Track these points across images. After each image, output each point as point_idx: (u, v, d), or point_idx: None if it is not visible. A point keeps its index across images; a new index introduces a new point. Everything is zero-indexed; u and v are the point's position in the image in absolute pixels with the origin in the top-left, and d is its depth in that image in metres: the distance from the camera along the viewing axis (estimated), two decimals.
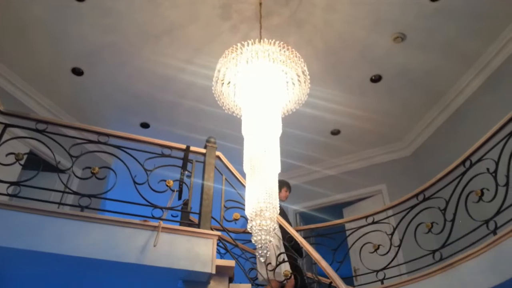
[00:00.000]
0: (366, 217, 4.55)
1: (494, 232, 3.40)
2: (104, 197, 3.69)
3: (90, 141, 3.75)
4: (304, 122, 5.87)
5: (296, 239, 3.43)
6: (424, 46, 4.93)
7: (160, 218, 3.23)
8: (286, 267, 3.84)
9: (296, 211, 6.66)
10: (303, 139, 6.20)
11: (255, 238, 2.69)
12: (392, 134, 6.28)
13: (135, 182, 3.45)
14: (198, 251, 3.15)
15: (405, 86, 5.49)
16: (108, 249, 2.99)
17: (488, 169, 3.61)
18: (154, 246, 2.98)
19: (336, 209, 6.21)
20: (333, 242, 4.72)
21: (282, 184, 4.70)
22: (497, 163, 3.55)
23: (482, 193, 3.58)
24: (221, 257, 4.27)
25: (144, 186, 3.48)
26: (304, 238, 4.06)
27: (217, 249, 4.14)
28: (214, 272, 3.08)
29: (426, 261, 3.90)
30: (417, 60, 5.11)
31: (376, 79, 5.39)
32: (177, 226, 3.27)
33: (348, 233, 4.85)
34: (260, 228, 2.69)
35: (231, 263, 3.29)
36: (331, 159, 6.71)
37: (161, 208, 3.35)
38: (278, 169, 3.13)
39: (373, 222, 4.46)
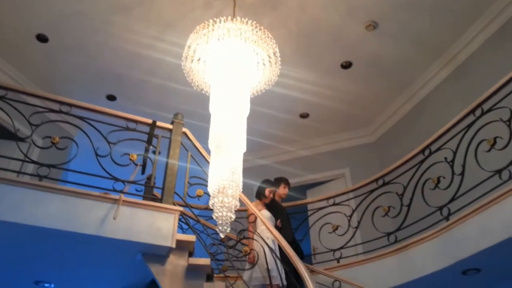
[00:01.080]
0: (328, 198, 4.68)
1: (447, 218, 3.58)
2: (64, 168, 3.61)
3: (52, 110, 3.65)
4: (274, 103, 5.89)
5: (257, 216, 3.47)
6: (395, 36, 5.01)
7: (121, 192, 3.21)
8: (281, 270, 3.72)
9: None
10: (272, 120, 6.23)
11: (216, 215, 2.72)
12: (358, 121, 6.41)
13: (97, 154, 3.40)
14: (159, 225, 3.16)
15: (374, 74, 5.58)
16: (67, 220, 2.97)
17: (446, 158, 3.78)
18: (114, 218, 2.98)
19: (300, 190, 6.33)
20: (295, 221, 4.83)
21: (280, 181, 4.61)
22: (454, 153, 3.71)
23: (439, 181, 3.75)
24: (184, 233, 4.29)
25: (107, 159, 3.44)
26: None
27: (179, 224, 4.17)
28: (174, 246, 3.11)
29: (382, 242, 4.07)
30: (388, 49, 5.20)
31: (346, 65, 5.45)
32: (138, 200, 3.27)
33: (309, 213, 4.97)
34: (221, 205, 2.72)
35: (191, 238, 3.33)
36: (298, 141, 6.79)
37: (123, 182, 3.33)
38: (243, 148, 3.15)
39: (334, 204, 4.60)
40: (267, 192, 4.31)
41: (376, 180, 4.41)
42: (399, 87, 5.83)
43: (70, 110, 3.60)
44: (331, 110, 6.14)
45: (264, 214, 4.00)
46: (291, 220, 4.52)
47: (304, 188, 6.48)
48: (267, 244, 3.62)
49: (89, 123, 3.58)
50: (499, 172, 3.23)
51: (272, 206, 4.31)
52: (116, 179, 3.34)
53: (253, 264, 3.65)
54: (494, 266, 3.47)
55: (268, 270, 3.52)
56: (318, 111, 6.19)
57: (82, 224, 2.96)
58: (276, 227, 3.96)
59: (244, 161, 3.23)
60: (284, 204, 5.18)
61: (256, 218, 3.91)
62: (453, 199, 3.61)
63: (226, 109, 3.12)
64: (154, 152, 3.70)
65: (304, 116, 6.33)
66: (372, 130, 6.49)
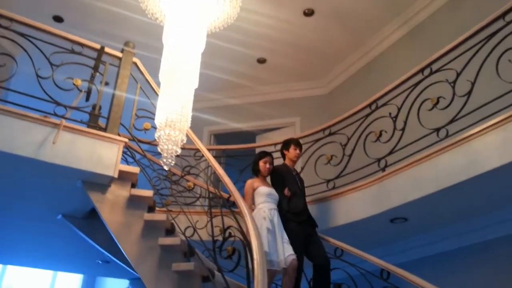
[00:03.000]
0: (275, 144, 4.77)
1: (383, 169, 3.79)
2: (2, 87, 3.38)
3: None
4: (233, 45, 5.75)
5: (205, 155, 3.47)
6: None
7: (63, 117, 3.08)
8: (288, 251, 3.28)
9: (211, 132, 6.74)
10: (229, 62, 6.11)
11: (161, 147, 2.70)
12: (314, 72, 6.44)
13: (38, 76, 3.20)
14: (102, 155, 3.10)
15: (335, 26, 5.55)
16: (3, 140, 2.82)
17: (390, 113, 3.92)
18: (53, 143, 2.87)
19: (250, 136, 6.40)
20: (242, 164, 4.90)
21: (289, 143, 3.95)
22: (399, 109, 3.85)
23: (380, 134, 3.92)
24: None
25: (49, 83, 3.25)
26: (215, 157, 4.16)
27: (124, 157, 4.11)
28: (116, 176, 3.08)
29: (321, 188, 4.26)
30: (351, 2, 5.16)
31: (309, 13, 5.37)
32: (81, 127, 3.16)
33: None
34: (168, 138, 2.69)
35: (135, 169, 3.30)
36: (253, 87, 6.75)
37: (65, 107, 3.18)
38: (195, 83, 3.09)
39: None
40: (261, 164, 3.70)
41: (324, 129, 4.53)
42: (356, 42, 5.87)
43: (11, 25, 3.32)
44: (289, 57, 6.11)
45: (260, 191, 3.53)
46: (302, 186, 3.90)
47: (254, 134, 6.55)
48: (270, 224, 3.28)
49: (30, 41, 3.33)
50: (437, 130, 3.42)
51: (277, 176, 3.77)
52: (57, 103, 3.19)
53: None
54: (421, 217, 3.77)
55: (266, 253, 3.04)
56: (276, 57, 6.13)
57: (18, 145, 2.84)
58: (284, 197, 3.58)
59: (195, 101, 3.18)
60: (232, 147, 5.24)
61: (251, 191, 3.53)
62: (391, 152, 3.80)
63: (181, 40, 3.00)
64: (101, 81, 3.53)
65: (261, 61, 6.26)
66: (326, 82, 6.57)
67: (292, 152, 3.89)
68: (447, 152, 3.22)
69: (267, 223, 3.29)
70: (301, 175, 4.61)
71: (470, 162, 3.06)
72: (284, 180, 3.70)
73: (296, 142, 3.95)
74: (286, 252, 3.25)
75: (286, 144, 3.97)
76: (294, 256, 3.26)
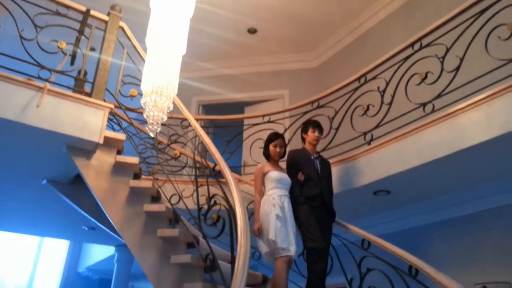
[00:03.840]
0: (264, 115, 4.77)
1: (369, 143, 3.82)
2: None
3: None
4: (224, 12, 5.65)
5: (191, 124, 3.45)
6: None
7: (47, 80, 3.02)
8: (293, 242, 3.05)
9: (199, 102, 6.69)
10: (219, 31, 6.02)
11: (147, 113, 2.67)
12: (304, 44, 6.38)
13: (21, 37, 3.11)
14: (87, 120, 3.07)
15: None
16: None
17: (378, 87, 3.93)
18: (37, 106, 2.83)
19: (239, 107, 6.37)
20: (230, 135, 4.91)
21: (307, 125, 3.60)
22: (387, 83, 3.86)
23: (368, 108, 3.93)
24: None
25: (33, 45, 3.17)
26: (203, 127, 4.14)
27: (111, 125, 4.09)
28: (101, 142, 3.06)
29: None
30: None
31: None
32: (66, 91, 3.10)
33: (245, 127, 5.04)
34: (154, 105, 2.66)
35: (120, 136, 3.28)
36: (243, 57, 6.68)
37: (49, 70, 3.12)
38: (183, 50, 3.03)
39: (269, 121, 4.70)
40: (271, 148, 3.38)
41: (312, 102, 4.53)
42: (348, 15, 5.81)
43: None
44: (279, 29, 6.04)
45: (271, 176, 3.24)
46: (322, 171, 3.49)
47: (242, 105, 6.52)
48: (281, 211, 3.07)
49: (14, 1, 3.22)
50: (423, 105, 3.45)
51: (292, 160, 3.47)
52: (42, 67, 3.12)
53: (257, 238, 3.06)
54: (403, 190, 3.85)
55: (273, 242, 2.94)
56: (266, 28, 6.05)
57: (1, 108, 2.78)
58: (297, 181, 3.32)
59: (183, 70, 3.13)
60: (220, 117, 5.20)
61: (260, 176, 3.26)
62: (377, 126, 3.83)
63: (168, 6, 2.92)
64: (86, 45, 3.45)
65: (252, 31, 6.17)
66: (317, 55, 6.52)
67: (310, 135, 3.53)
68: (432, 127, 3.26)
69: (277, 210, 3.06)
70: (289, 147, 4.65)
71: (454, 137, 3.10)
72: (299, 165, 3.40)
73: (314, 124, 3.58)
74: (293, 246, 3.02)
75: (304, 127, 3.63)
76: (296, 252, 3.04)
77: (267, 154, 3.43)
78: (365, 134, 3.88)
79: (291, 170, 3.39)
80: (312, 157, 3.49)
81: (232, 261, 2.59)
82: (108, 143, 3.20)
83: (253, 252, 3.88)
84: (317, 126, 3.57)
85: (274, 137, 3.44)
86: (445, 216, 4.07)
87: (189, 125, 3.69)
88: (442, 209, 4.05)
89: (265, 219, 3.04)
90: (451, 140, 3.11)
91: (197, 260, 2.89)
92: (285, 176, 3.31)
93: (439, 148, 3.18)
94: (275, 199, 3.12)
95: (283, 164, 3.52)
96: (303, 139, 3.61)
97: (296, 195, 3.28)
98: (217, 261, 2.74)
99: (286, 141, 4.56)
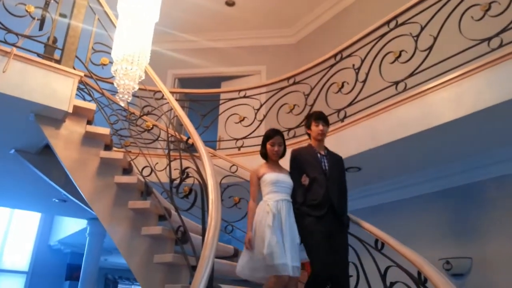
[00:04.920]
0: (239, 90, 4.73)
1: (342, 120, 3.86)
2: None
3: None
4: None
5: (164, 95, 3.39)
6: None
7: (14, 45, 2.90)
8: (295, 259, 2.58)
9: (175, 75, 6.58)
10: (198, 1, 5.88)
11: (117, 82, 2.61)
12: (282, 19, 6.32)
13: None
14: (56, 88, 2.97)
15: None
16: None
17: (353, 65, 3.95)
18: (3, 72, 2.72)
19: (215, 82, 6.29)
20: (205, 109, 4.86)
21: (309, 118, 3.09)
22: (362, 61, 3.88)
23: (342, 86, 3.95)
24: None
25: None
26: (178, 101, 4.09)
27: (82, 95, 3.99)
28: (70, 111, 2.98)
29: None
30: None
31: None
32: (34, 57, 2.99)
33: (221, 102, 5.00)
34: (125, 73, 2.60)
35: (91, 106, 3.21)
36: (220, 31, 6.57)
37: (16, 34, 2.99)
38: (156, 17, 2.94)
39: (245, 96, 4.67)
40: (268, 147, 2.92)
41: (288, 78, 4.51)
42: None
43: None
44: (258, 3, 5.94)
45: (266, 179, 2.81)
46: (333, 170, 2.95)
47: (219, 80, 6.45)
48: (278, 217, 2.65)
49: None
50: (396, 83, 3.49)
51: (294, 162, 2.98)
52: (8, 30, 2.98)
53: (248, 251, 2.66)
54: (373, 166, 3.92)
55: (269, 257, 2.53)
56: (245, 1, 5.94)
57: None
58: (301, 186, 2.85)
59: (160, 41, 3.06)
60: (195, 91, 5.13)
61: (255, 180, 2.85)
62: (351, 104, 3.87)
63: None
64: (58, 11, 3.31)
65: (230, 4, 6.05)
66: (295, 31, 6.47)
67: (314, 129, 3.00)
68: (404, 105, 3.31)
69: (269, 219, 2.63)
70: (264, 122, 4.66)
71: (424, 115, 3.16)
72: (303, 166, 2.92)
73: (317, 116, 3.03)
74: (294, 260, 2.56)
75: (307, 121, 3.12)
76: (298, 268, 2.59)
77: (264, 154, 2.97)
78: (338, 111, 3.91)
79: (294, 173, 2.93)
80: (318, 155, 2.96)
81: (203, 233, 2.58)
82: (78, 112, 3.12)
83: (225, 226, 3.93)
84: (320, 118, 3.02)
85: (272, 134, 2.95)
86: (413, 194, 4.19)
87: (163, 96, 3.62)
88: (410, 187, 4.17)
89: (258, 229, 2.65)
90: (421, 118, 3.18)
91: (168, 232, 2.89)
92: (283, 177, 2.85)
93: (409, 126, 3.24)
94: (270, 205, 2.69)
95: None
96: (309, 135, 3.10)
97: (298, 204, 2.80)
98: (188, 233, 2.75)
99: (261, 117, 4.62)
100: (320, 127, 2.98)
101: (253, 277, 2.70)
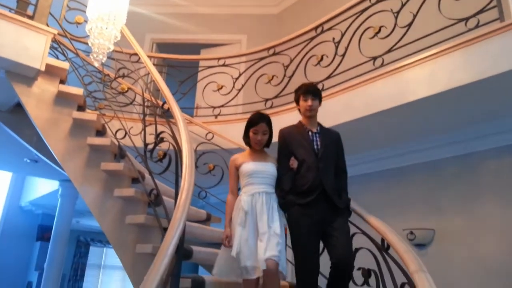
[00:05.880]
0: (219, 58, 4.68)
1: None
2: None
3: None
4: None
5: (140, 57, 3.33)
6: None
7: None
8: (271, 250, 2.30)
9: (153, 40, 6.43)
10: None
11: (92, 41, 2.55)
12: None
13: None
14: (28, 45, 2.88)
15: None
16: None
17: (333, 38, 3.95)
18: None
19: (195, 49, 6.19)
20: (183, 76, 4.80)
21: (296, 92, 2.75)
22: (342, 35, 3.88)
23: (322, 58, 3.96)
24: None
25: None
26: (156, 66, 4.01)
27: (55, 54, 3.87)
28: (43, 69, 2.91)
29: (260, 106, 4.32)
30: None
31: None
32: (5, 12, 2.87)
33: (200, 69, 4.94)
34: (100, 32, 2.54)
35: (64, 65, 3.13)
36: None
37: None
38: None
39: (224, 65, 4.63)
40: (250, 135, 2.61)
41: (268, 49, 4.48)
42: None
43: None
44: None
45: (243, 170, 2.57)
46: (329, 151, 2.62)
47: (199, 47, 6.35)
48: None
49: None
50: (374, 58, 3.53)
51: (281, 143, 2.66)
52: None
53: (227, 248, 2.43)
54: (348, 140, 3.88)
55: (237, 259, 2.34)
56: None
57: None
58: (289, 170, 2.55)
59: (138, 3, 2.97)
60: (174, 57, 5.02)
61: (233, 170, 2.62)
62: (329, 77, 3.89)
63: None
64: None
65: None
66: (277, 1, 6.39)
67: (302, 104, 2.67)
68: (380, 80, 3.37)
69: (241, 216, 2.41)
70: (242, 91, 4.64)
71: (399, 91, 3.22)
72: (292, 147, 2.60)
73: (305, 90, 2.68)
74: (268, 251, 2.29)
75: (295, 95, 2.77)
76: (274, 258, 2.29)
77: (247, 142, 2.67)
78: (316, 84, 3.93)
79: (282, 157, 2.62)
80: (310, 133, 2.64)
81: (176, 197, 2.60)
82: (50, 71, 3.05)
83: (199, 192, 3.97)
84: (309, 92, 2.66)
85: (255, 120, 2.62)
86: (382, 167, 4.31)
87: (139, 59, 3.56)
88: (379, 161, 4.29)
89: (233, 227, 2.44)
90: (396, 94, 3.24)
91: (141, 195, 2.91)
92: (264, 167, 2.56)
93: (385, 101, 3.30)
94: (244, 201, 2.46)
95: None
96: (300, 111, 2.75)
97: (284, 192, 2.51)
98: (161, 196, 2.78)
99: (239, 86, 4.60)
100: (309, 102, 2.63)
101: (232, 279, 2.45)
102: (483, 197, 3.55)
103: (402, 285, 2.29)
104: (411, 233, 3.82)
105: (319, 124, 2.74)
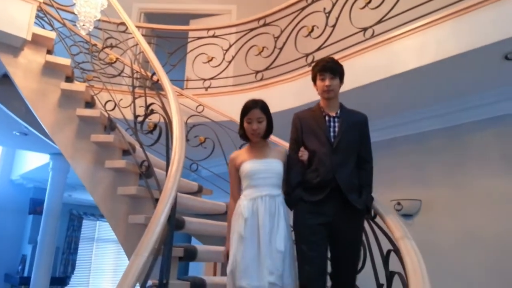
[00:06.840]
0: (208, 29, 4.62)
1: (309, 64, 3.87)
2: None
3: None
4: None
5: (128, 26, 3.26)
6: None
7: None
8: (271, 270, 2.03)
9: (141, 10, 6.30)
10: None
11: (78, 9, 2.50)
12: None
13: None
14: (13, 14, 2.82)
15: None
16: None
17: (324, 8, 3.90)
18: None
19: (184, 20, 6.08)
20: (173, 47, 4.73)
21: (313, 69, 2.36)
22: (333, 5, 3.84)
23: (312, 30, 3.93)
24: None
25: None
26: (144, 36, 3.94)
27: (42, 24, 3.79)
28: (29, 39, 2.86)
29: (250, 79, 4.32)
30: None
31: None
32: None
33: (189, 40, 4.87)
34: (86, 0, 2.49)
35: (50, 34, 3.07)
36: None
37: None
38: None
39: (214, 36, 4.57)
40: (245, 125, 2.29)
41: (258, 19, 4.42)
42: None
43: None
44: None
45: (243, 170, 2.25)
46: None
47: (188, 17, 6.24)
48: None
49: None
50: (364, 30, 3.51)
51: (294, 131, 2.31)
52: None
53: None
54: None
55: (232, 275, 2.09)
56: None
57: None
58: (298, 162, 2.22)
59: None
60: (162, 27, 4.93)
61: (233, 171, 2.31)
62: (319, 48, 3.88)
63: None
64: None
65: None
66: None
67: (318, 84, 2.29)
68: (370, 51, 3.37)
69: (240, 225, 2.11)
70: (232, 63, 4.60)
71: (389, 62, 3.23)
72: (305, 135, 2.24)
73: (321, 67, 2.28)
74: (269, 274, 2.02)
75: (312, 73, 2.37)
76: (273, 281, 2.01)
77: (243, 134, 2.33)
78: (307, 55, 3.92)
79: (293, 147, 2.28)
80: (327, 118, 2.25)
81: (167, 168, 2.61)
82: (37, 41, 2.99)
83: (190, 164, 3.99)
84: (326, 69, 2.26)
85: (248, 106, 2.27)
86: (372, 139, 4.32)
87: (127, 29, 3.50)
88: (374, 132, 4.32)
89: (231, 237, 2.16)
90: (386, 66, 3.25)
91: (132, 166, 2.92)
92: (267, 164, 2.24)
93: (375, 72, 3.31)
94: (244, 206, 2.16)
95: None
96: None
97: (292, 188, 2.20)
98: (153, 167, 2.79)
99: (230, 58, 4.55)
100: (327, 81, 2.24)
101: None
102: (469, 168, 3.62)
103: (388, 251, 2.36)
104: (398, 203, 3.90)
105: (342, 106, 2.34)
